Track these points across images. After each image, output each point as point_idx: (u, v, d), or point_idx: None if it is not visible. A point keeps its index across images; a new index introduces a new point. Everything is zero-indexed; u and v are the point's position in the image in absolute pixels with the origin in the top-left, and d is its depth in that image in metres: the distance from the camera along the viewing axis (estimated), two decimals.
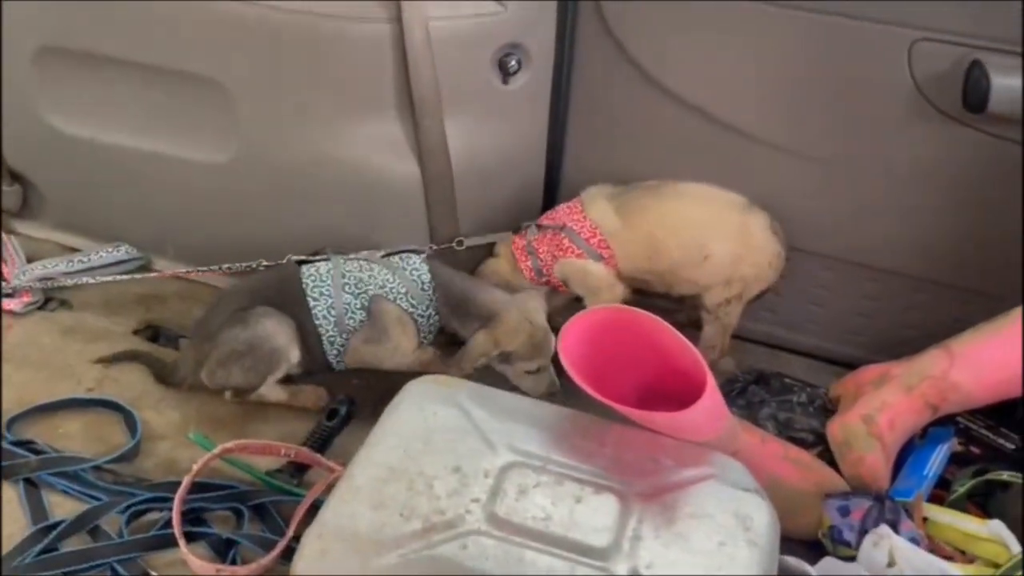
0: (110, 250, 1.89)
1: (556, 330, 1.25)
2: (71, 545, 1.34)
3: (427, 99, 1.61)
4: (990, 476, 1.39)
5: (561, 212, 1.67)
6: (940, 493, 1.41)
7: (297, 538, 1.17)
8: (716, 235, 1.60)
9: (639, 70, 1.65)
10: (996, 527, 1.28)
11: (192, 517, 1.37)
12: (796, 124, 1.61)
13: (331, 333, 1.54)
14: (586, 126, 1.76)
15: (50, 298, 1.81)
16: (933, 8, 1.45)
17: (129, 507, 1.38)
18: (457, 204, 1.72)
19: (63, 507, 1.40)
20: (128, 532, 1.35)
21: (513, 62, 1.63)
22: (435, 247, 1.69)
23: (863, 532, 1.27)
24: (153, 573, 1.32)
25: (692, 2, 1.57)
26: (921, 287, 1.68)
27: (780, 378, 1.66)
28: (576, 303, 1.67)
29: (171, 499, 1.34)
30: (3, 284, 1.78)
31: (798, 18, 1.52)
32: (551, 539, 1.07)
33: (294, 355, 1.56)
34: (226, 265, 1.65)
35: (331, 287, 1.53)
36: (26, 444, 1.48)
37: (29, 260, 1.88)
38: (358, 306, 1.53)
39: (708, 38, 1.60)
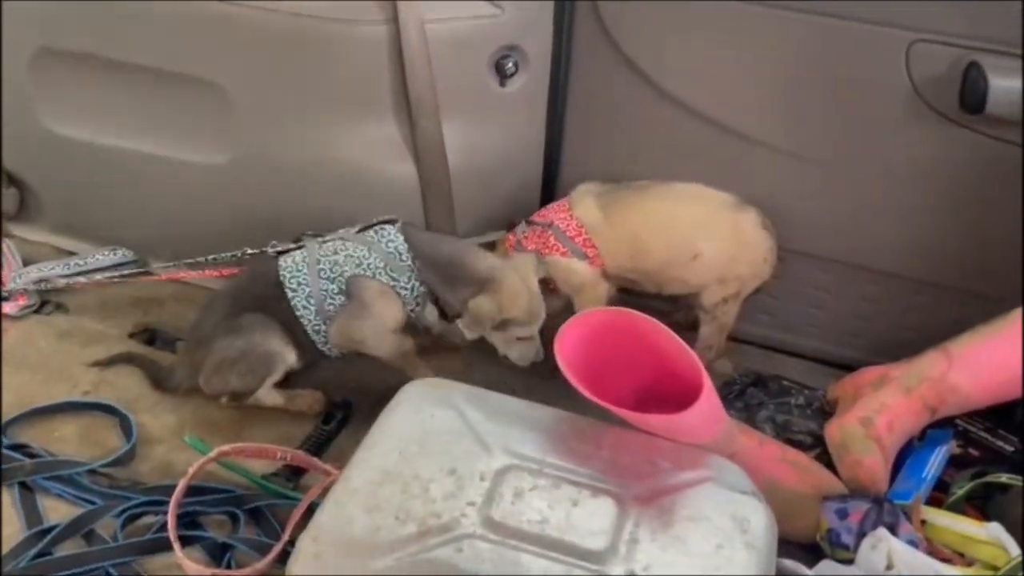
0: (107, 253, 1.90)
1: (551, 335, 1.24)
2: (66, 549, 1.34)
3: (424, 101, 1.61)
4: (989, 478, 1.38)
5: (551, 210, 1.67)
6: (939, 495, 1.41)
7: (293, 542, 1.17)
8: (705, 234, 1.60)
9: (636, 72, 1.65)
10: (995, 530, 1.27)
11: (187, 521, 1.37)
12: (794, 126, 1.61)
13: (314, 321, 1.53)
14: (583, 127, 1.76)
15: (46, 301, 1.81)
16: (931, 9, 1.45)
17: (124, 511, 1.37)
18: (455, 205, 1.73)
19: (58, 511, 1.39)
20: (123, 536, 1.35)
21: (510, 64, 1.64)
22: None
23: (861, 535, 1.26)
24: None
25: (689, 3, 1.57)
26: (919, 289, 1.67)
27: (778, 380, 1.66)
28: (571, 307, 1.67)
29: (166, 503, 1.33)
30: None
31: (795, 19, 1.52)
32: (547, 542, 1.06)
33: (290, 356, 1.55)
34: (211, 256, 1.64)
35: (307, 275, 1.52)
36: (21, 448, 1.48)
37: (26, 263, 1.88)
38: (336, 291, 1.52)
39: (705, 39, 1.60)
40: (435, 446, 1.17)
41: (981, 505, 1.39)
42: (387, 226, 1.56)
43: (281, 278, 1.52)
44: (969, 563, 1.27)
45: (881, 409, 1.42)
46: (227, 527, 1.39)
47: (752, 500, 1.14)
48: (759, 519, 1.12)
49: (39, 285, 1.79)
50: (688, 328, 1.69)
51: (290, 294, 1.52)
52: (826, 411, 1.55)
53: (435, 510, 1.09)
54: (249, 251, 1.60)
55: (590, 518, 1.09)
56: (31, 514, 1.38)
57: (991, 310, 1.44)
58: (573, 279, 1.64)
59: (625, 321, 1.26)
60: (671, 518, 1.11)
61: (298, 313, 1.52)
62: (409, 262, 1.53)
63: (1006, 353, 1.39)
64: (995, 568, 1.24)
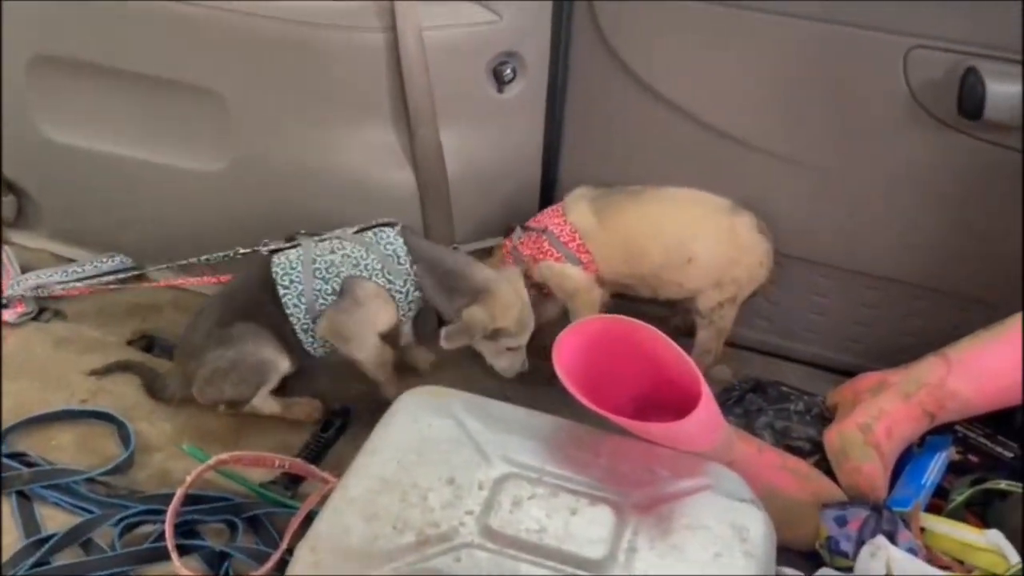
0: (105, 260, 1.89)
1: (548, 344, 1.24)
2: (64, 558, 1.33)
3: (422, 107, 1.61)
4: (988, 485, 1.38)
5: (545, 215, 1.67)
6: (938, 502, 1.41)
7: (291, 550, 1.16)
8: (700, 238, 1.60)
9: (634, 77, 1.65)
10: (994, 537, 1.27)
11: (185, 530, 1.36)
12: (792, 131, 1.61)
13: (303, 321, 1.52)
14: (581, 133, 1.76)
15: (44, 309, 1.81)
16: (928, 15, 1.45)
17: (122, 520, 1.37)
18: (453, 211, 1.72)
19: (55, 520, 1.39)
20: (121, 545, 1.34)
21: (508, 70, 1.64)
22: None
23: (860, 543, 1.26)
24: None
25: (686, 9, 1.57)
26: (918, 294, 1.67)
27: (777, 386, 1.66)
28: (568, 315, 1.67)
29: (164, 511, 1.33)
30: None
31: (793, 25, 1.52)
32: (546, 551, 1.06)
33: (283, 364, 1.55)
34: (204, 257, 1.63)
35: (301, 274, 1.51)
36: (19, 456, 1.48)
37: (24, 270, 1.87)
38: (329, 291, 1.51)
39: (703, 45, 1.60)
40: (433, 455, 1.17)
41: (981, 512, 1.39)
42: (386, 228, 1.56)
43: (273, 275, 1.52)
44: (968, 570, 1.28)
45: (880, 415, 1.42)
46: (225, 536, 1.39)
47: (751, 508, 1.14)
48: (758, 527, 1.12)
49: (37, 292, 1.79)
50: (686, 334, 1.69)
51: (281, 291, 1.51)
52: (825, 417, 1.55)
53: (433, 519, 1.09)
54: (241, 250, 1.60)
55: (588, 527, 1.09)
56: (29, 523, 1.38)
57: (990, 315, 1.45)
58: (567, 284, 1.64)
59: (623, 329, 1.26)
60: (670, 526, 1.11)
61: (288, 311, 1.51)
62: (407, 266, 1.52)
63: (1005, 359, 1.39)
64: None
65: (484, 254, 1.73)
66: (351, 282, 1.51)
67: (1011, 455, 1.48)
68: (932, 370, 1.43)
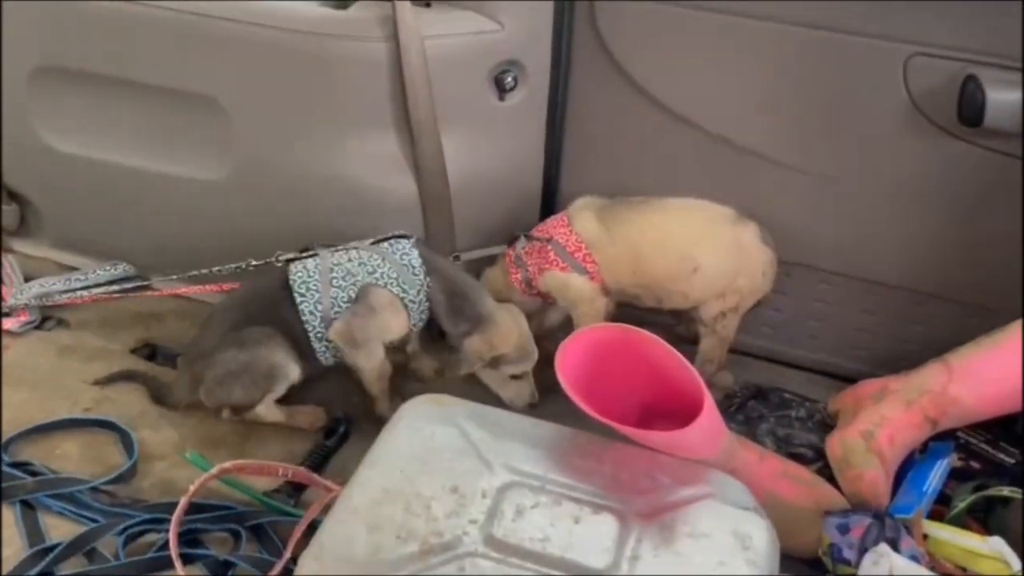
0: (108, 268, 1.90)
1: (551, 350, 1.25)
2: (68, 568, 1.33)
3: (424, 116, 1.61)
4: (990, 491, 1.38)
5: (549, 224, 1.67)
6: (940, 509, 1.41)
7: (294, 559, 1.17)
8: (704, 248, 1.60)
9: (635, 86, 1.65)
10: (996, 544, 1.27)
11: (189, 538, 1.36)
12: (793, 139, 1.62)
13: (318, 329, 1.54)
14: (582, 141, 1.76)
15: (47, 317, 1.81)
16: (928, 23, 1.45)
17: (126, 529, 1.37)
18: (455, 219, 1.73)
19: (60, 529, 1.39)
20: (125, 554, 1.35)
21: (509, 79, 1.64)
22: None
23: (863, 550, 1.26)
24: None
25: (687, 17, 1.57)
26: (920, 301, 1.68)
27: (779, 393, 1.66)
28: (571, 321, 1.67)
29: (168, 520, 1.33)
30: (0, 304, 1.78)
31: (794, 33, 1.52)
32: (549, 560, 1.06)
33: (294, 371, 1.56)
34: (216, 268, 1.64)
35: (319, 282, 1.53)
36: (23, 465, 1.48)
37: (27, 279, 1.88)
38: (345, 299, 1.53)
39: (704, 53, 1.60)
40: (436, 463, 1.17)
41: (983, 518, 1.39)
42: (402, 240, 1.58)
43: (291, 283, 1.53)
44: None
45: (882, 422, 1.42)
46: (229, 544, 1.39)
47: (754, 516, 1.14)
48: (761, 535, 1.12)
49: (40, 301, 1.79)
50: (689, 342, 1.69)
51: (298, 299, 1.52)
52: (827, 424, 1.55)
53: (437, 528, 1.09)
54: (253, 262, 1.61)
55: (592, 535, 1.09)
56: (33, 532, 1.38)
57: (991, 322, 1.45)
58: (572, 294, 1.64)
59: (626, 337, 1.26)
60: (673, 534, 1.11)
61: (304, 318, 1.53)
62: (421, 276, 1.54)
63: (1007, 365, 1.39)
64: None
65: (486, 263, 1.74)
66: (367, 289, 1.52)
67: (1013, 461, 1.48)
68: (934, 377, 1.43)
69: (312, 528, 1.30)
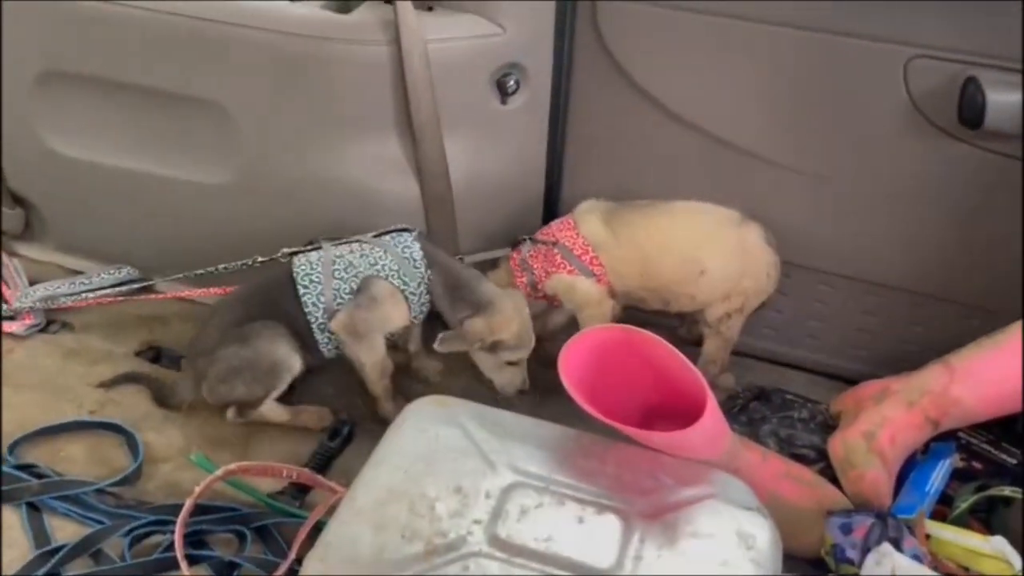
0: (112, 272, 1.91)
1: (555, 353, 1.25)
2: (74, 569, 1.34)
3: (426, 119, 1.62)
4: (992, 492, 1.39)
5: (555, 228, 1.68)
6: (942, 509, 1.41)
7: (299, 560, 1.17)
8: (711, 251, 1.61)
9: (636, 88, 1.66)
10: (999, 543, 1.28)
11: (194, 540, 1.37)
12: (794, 141, 1.62)
13: (321, 320, 1.55)
14: (584, 144, 1.77)
15: (52, 320, 1.82)
16: (929, 25, 1.46)
17: (131, 530, 1.38)
18: (457, 222, 1.73)
19: (65, 531, 1.40)
20: (131, 556, 1.35)
21: (511, 82, 1.65)
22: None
23: (866, 550, 1.26)
24: None
25: (689, 20, 1.58)
26: (921, 302, 1.68)
27: (781, 394, 1.66)
28: (575, 323, 1.68)
29: (173, 522, 1.34)
30: (5, 307, 1.79)
31: (795, 36, 1.53)
32: (553, 560, 1.07)
33: (296, 364, 1.57)
34: (222, 266, 1.65)
35: (321, 274, 1.54)
36: (28, 468, 1.48)
37: (32, 283, 1.89)
38: (347, 290, 1.54)
39: (705, 56, 1.61)
40: (441, 464, 1.18)
41: (985, 518, 1.39)
42: (404, 233, 1.60)
43: (294, 275, 1.54)
44: None
45: (883, 423, 1.42)
46: (234, 545, 1.39)
47: (756, 516, 1.15)
48: (764, 535, 1.13)
49: (45, 304, 1.80)
50: (691, 344, 1.69)
51: (301, 291, 1.54)
52: (829, 425, 1.56)
53: (441, 528, 1.10)
54: (260, 259, 1.62)
55: (596, 535, 1.10)
56: (39, 534, 1.39)
57: (992, 323, 1.45)
58: (577, 297, 1.64)
59: (629, 338, 1.27)
60: (676, 534, 1.12)
61: (307, 310, 1.54)
62: (422, 269, 1.56)
63: (1008, 366, 1.39)
64: None
65: (489, 266, 1.75)
66: (368, 281, 1.54)
67: (1014, 461, 1.49)
68: (935, 378, 1.43)
69: (317, 529, 1.30)
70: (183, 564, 1.29)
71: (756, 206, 1.63)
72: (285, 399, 1.61)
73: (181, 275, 1.77)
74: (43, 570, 1.32)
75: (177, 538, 1.31)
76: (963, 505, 1.38)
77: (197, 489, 1.37)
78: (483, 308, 1.55)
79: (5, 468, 1.47)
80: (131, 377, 1.68)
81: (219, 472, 1.40)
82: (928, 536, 1.33)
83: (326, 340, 1.57)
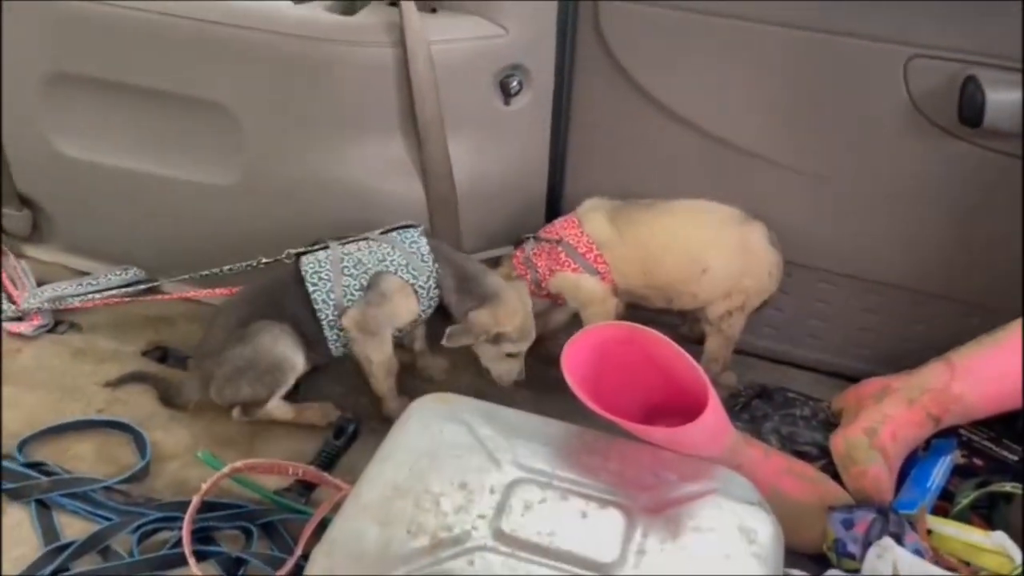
0: (119, 272, 1.92)
1: (557, 351, 1.26)
2: (82, 565, 1.35)
3: (430, 120, 1.63)
4: (993, 488, 1.39)
5: (559, 226, 1.69)
6: (943, 505, 1.42)
7: (306, 556, 1.18)
8: (713, 249, 1.62)
9: (638, 89, 1.67)
10: (999, 538, 1.28)
11: (202, 536, 1.38)
12: (795, 141, 1.63)
13: (331, 317, 1.56)
14: (587, 144, 1.78)
15: (60, 321, 1.83)
16: (928, 25, 1.47)
17: (140, 527, 1.39)
18: (461, 222, 1.75)
19: (74, 528, 1.41)
20: (139, 552, 1.36)
21: (515, 83, 1.66)
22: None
23: (867, 545, 1.27)
24: None
25: (690, 21, 1.59)
26: (922, 300, 1.69)
27: (783, 392, 1.67)
28: (577, 321, 1.69)
29: (181, 519, 1.35)
30: (13, 307, 1.80)
31: (795, 36, 1.54)
32: (557, 554, 1.08)
33: (299, 362, 1.58)
34: (227, 267, 1.66)
35: (330, 271, 1.56)
36: (37, 466, 1.50)
37: (39, 284, 1.90)
38: (356, 287, 1.56)
39: (706, 56, 1.62)
40: (445, 460, 1.19)
41: (986, 514, 1.40)
42: (410, 229, 1.61)
43: (303, 273, 1.56)
44: (974, 572, 1.29)
45: (885, 420, 1.43)
46: (240, 542, 1.41)
47: (759, 511, 1.16)
48: (766, 530, 1.14)
49: (53, 305, 1.81)
50: (693, 342, 1.70)
51: (311, 288, 1.55)
52: (831, 422, 1.56)
53: (446, 523, 1.11)
54: (264, 260, 1.63)
55: (599, 530, 1.11)
56: (48, 531, 1.40)
57: (992, 321, 1.46)
58: (581, 295, 1.65)
59: (631, 335, 1.28)
60: (679, 529, 1.12)
61: (317, 307, 1.56)
62: (430, 263, 1.57)
63: (1008, 363, 1.40)
64: None
65: (491, 264, 1.76)
66: (378, 277, 1.56)
67: (1015, 458, 1.50)
68: (936, 375, 1.44)
69: (323, 526, 1.31)
70: (191, 560, 1.30)
71: (757, 205, 1.64)
72: (290, 398, 1.62)
73: (187, 276, 1.78)
74: (52, 566, 1.33)
75: (185, 534, 1.33)
76: (964, 501, 1.39)
77: (204, 486, 1.38)
78: (488, 300, 1.56)
79: (15, 466, 1.48)
80: (138, 376, 1.69)
81: (226, 469, 1.41)
82: (929, 531, 1.33)
83: (335, 337, 1.58)
